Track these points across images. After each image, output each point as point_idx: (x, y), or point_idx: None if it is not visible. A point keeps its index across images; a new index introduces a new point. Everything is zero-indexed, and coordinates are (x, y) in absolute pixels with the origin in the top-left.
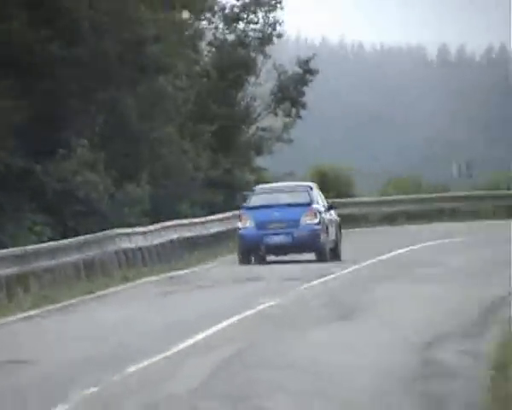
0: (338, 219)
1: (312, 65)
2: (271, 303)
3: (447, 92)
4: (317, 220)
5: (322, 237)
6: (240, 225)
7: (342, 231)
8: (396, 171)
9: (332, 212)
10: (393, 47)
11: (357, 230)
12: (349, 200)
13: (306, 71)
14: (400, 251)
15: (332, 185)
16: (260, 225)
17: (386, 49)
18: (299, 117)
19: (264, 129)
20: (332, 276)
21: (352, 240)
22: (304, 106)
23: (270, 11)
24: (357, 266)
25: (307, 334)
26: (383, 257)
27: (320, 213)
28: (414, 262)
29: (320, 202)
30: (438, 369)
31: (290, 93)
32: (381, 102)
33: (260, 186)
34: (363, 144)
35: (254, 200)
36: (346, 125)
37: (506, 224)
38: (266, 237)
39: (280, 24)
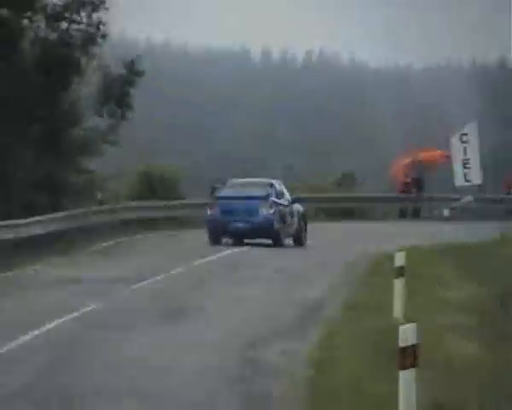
0: (301, 210)
1: (140, 66)
2: (95, 305)
3: (272, 95)
4: (272, 211)
5: (276, 225)
6: (208, 212)
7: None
8: (223, 175)
9: (296, 205)
10: (220, 49)
11: (184, 230)
12: (174, 202)
13: (132, 72)
14: (225, 253)
15: (158, 187)
16: (225, 213)
17: (214, 52)
18: (125, 118)
19: (89, 130)
20: (161, 276)
21: (182, 238)
22: (129, 107)
23: (93, 11)
24: (185, 268)
25: (130, 336)
26: (208, 259)
27: (277, 204)
28: (238, 264)
29: (280, 195)
30: (260, 369)
31: (115, 94)
32: (209, 104)
33: (230, 181)
34: (192, 147)
35: (223, 192)
36: (175, 128)
37: (323, 226)
38: (229, 223)
39: (104, 24)
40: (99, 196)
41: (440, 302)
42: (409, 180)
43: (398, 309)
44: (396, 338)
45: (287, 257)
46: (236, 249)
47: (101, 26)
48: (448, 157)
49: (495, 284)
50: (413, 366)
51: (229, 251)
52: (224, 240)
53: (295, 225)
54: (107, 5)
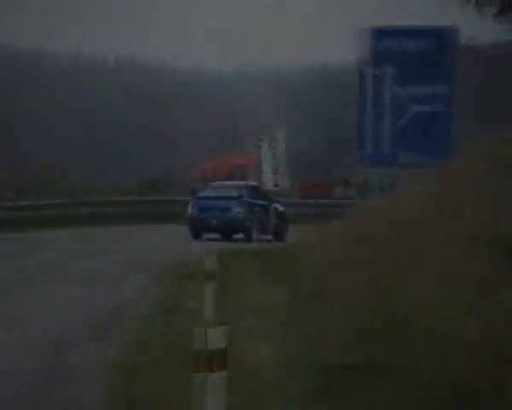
0: (280, 209)
1: None
2: None
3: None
4: (242, 209)
5: (247, 222)
6: (190, 210)
7: None
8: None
9: (275, 205)
10: (51, 51)
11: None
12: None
13: None
14: (44, 256)
15: None
16: (203, 211)
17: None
18: None
19: None
20: None
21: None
22: None
23: None
24: None
25: None
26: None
27: (249, 203)
28: (54, 268)
29: (258, 196)
30: (67, 373)
31: None
32: (39, 105)
33: (212, 183)
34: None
35: (204, 192)
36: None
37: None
38: (206, 220)
39: None
40: None
41: (242, 305)
42: None
43: (205, 313)
44: (198, 342)
45: (98, 260)
46: (51, 253)
47: None
48: (257, 162)
49: (296, 286)
50: (210, 369)
51: (45, 255)
52: (205, 236)
53: (273, 223)
54: None
